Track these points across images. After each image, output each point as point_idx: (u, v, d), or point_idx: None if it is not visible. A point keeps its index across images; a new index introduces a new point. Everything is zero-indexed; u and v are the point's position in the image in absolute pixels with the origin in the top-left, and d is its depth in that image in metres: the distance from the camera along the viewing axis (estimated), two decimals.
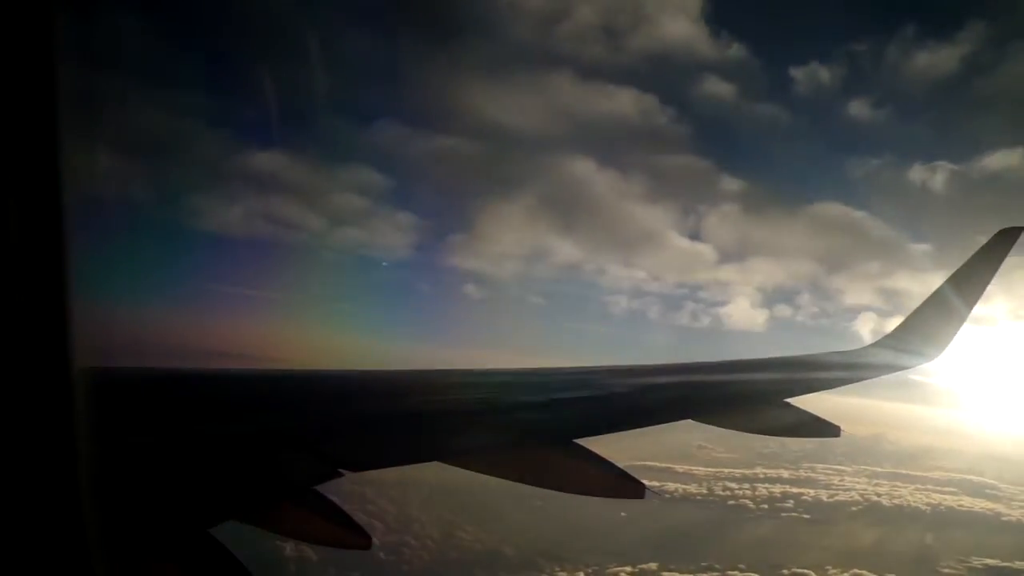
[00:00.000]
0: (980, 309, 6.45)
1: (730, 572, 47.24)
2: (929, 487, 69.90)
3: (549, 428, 3.96)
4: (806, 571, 48.38)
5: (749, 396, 5.25)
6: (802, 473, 70.79)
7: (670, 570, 46.60)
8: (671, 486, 62.89)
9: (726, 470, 69.33)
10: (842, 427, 4.68)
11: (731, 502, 62.85)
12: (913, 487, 69.37)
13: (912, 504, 64.40)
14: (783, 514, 60.71)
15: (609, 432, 3.85)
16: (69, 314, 1.67)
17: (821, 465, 73.60)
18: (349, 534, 2.90)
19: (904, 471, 75.44)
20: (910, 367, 6.40)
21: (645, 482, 3.49)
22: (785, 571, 47.98)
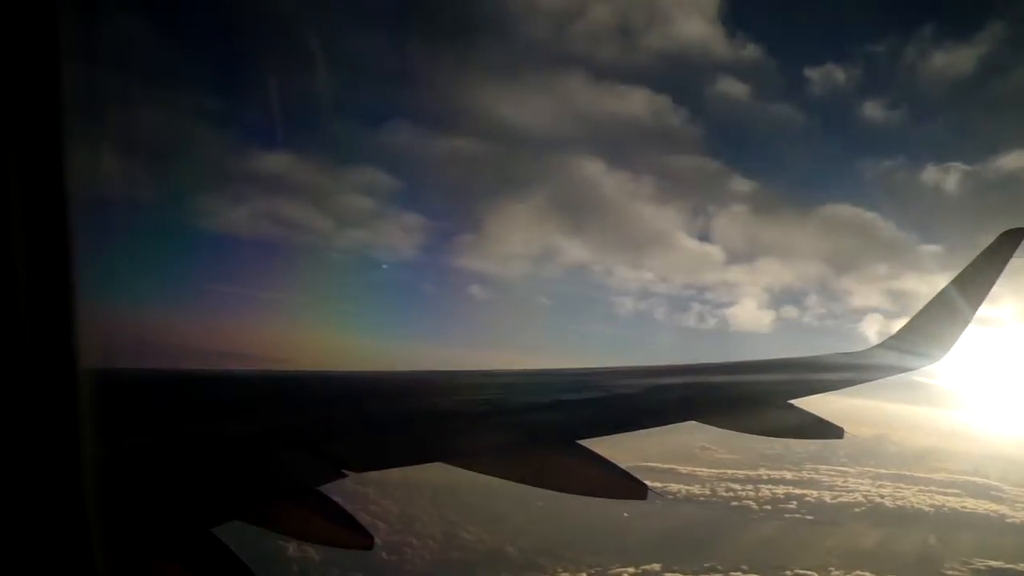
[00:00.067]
0: (985, 310, 6.43)
1: (733, 573, 47.19)
2: (933, 489, 69.64)
3: (552, 429, 3.96)
4: (809, 572, 48.31)
5: (752, 397, 5.24)
6: (805, 474, 70.66)
7: (673, 571, 46.56)
8: (674, 487, 62.91)
9: (729, 471, 69.25)
10: (846, 428, 4.68)
11: (734, 503, 62.81)
12: (917, 489, 69.15)
13: (916, 506, 64.25)
14: (786, 515, 60.62)
15: (612, 433, 3.85)
16: (74, 315, 1.67)
17: (825, 466, 73.44)
18: (351, 534, 2.90)
19: (908, 473, 75.25)
20: (914, 369, 6.37)
21: (648, 483, 3.48)
22: (788, 572, 47.91)
